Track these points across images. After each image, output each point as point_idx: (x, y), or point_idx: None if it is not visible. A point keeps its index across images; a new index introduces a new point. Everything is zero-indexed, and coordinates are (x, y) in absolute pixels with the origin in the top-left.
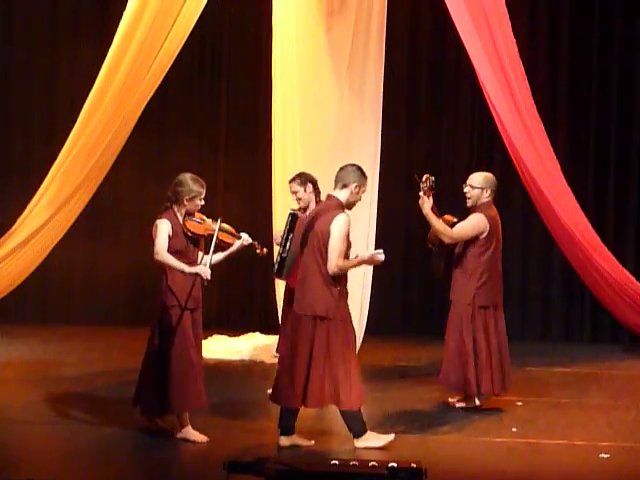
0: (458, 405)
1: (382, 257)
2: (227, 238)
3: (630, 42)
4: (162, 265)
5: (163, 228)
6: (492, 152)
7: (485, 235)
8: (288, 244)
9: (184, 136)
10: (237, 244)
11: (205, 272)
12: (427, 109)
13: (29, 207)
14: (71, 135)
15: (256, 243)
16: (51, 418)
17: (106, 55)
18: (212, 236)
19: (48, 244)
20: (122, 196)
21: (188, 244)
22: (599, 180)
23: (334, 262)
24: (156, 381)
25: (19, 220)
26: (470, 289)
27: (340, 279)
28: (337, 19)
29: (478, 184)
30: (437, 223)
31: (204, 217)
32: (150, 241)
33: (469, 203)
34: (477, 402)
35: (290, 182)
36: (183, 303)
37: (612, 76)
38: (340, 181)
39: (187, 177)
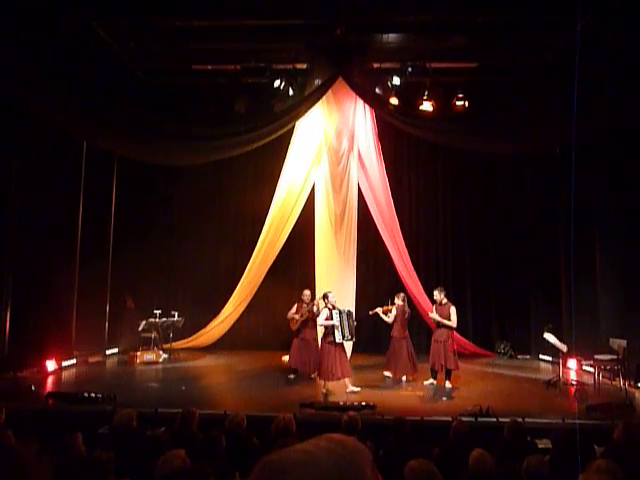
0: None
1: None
2: None
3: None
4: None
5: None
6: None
7: None
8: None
9: (279, 277)
10: None
11: None
12: (374, 267)
13: (225, 307)
14: (242, 280)
15: None
16: (236, 385)
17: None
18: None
19: (232, 320)
20: (260, 301)
21: None
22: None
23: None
24: None
25: (221, 312)
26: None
27: None
28: (339, 232)
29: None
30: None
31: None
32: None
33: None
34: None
35: (322, 297)
36: None
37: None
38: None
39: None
